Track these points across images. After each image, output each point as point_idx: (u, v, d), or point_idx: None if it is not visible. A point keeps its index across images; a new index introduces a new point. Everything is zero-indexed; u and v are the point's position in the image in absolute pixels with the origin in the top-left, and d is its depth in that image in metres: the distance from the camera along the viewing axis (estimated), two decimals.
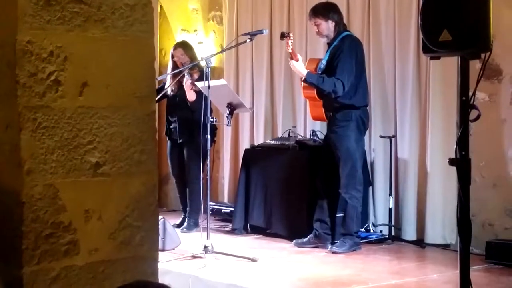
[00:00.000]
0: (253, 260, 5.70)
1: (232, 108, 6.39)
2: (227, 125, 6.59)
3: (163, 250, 5.79)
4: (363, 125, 6.22)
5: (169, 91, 7.14)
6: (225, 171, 8.34)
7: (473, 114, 3.48)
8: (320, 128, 7.03)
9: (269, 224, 6.91)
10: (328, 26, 6.21)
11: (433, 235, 6.40)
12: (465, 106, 3.46)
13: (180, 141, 7.17)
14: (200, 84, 6.41)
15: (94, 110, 2.69)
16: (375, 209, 6.86)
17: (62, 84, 2.61)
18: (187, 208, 7.28)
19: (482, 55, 3.50)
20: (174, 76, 7.02)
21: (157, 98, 6.61)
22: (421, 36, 3.63)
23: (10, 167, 2.60)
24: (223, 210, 7.69)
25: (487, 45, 3.38)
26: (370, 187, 6.84)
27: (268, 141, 7.39)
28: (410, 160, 6.64)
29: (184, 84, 6.88)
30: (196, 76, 6.93)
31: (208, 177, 6.07)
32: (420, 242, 6.44)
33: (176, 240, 6.20)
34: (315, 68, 6.29)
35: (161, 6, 8.97)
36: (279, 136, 7.39)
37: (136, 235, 2.78)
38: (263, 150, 7.17)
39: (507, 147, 6.07)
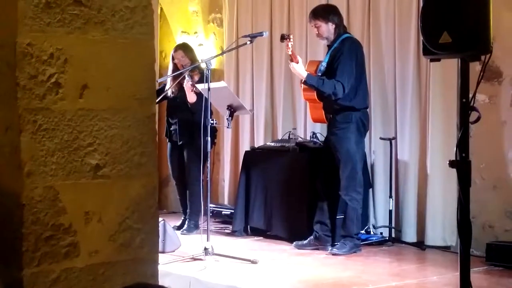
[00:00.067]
0: (253, 262, 5.70)
1: (232, 110, 6.39)
2: (227, 127, 6.59)
3: (163, 252, 5.79)
4: (363, 127, 6.22)
5: (169, 93, 7.15)
6: (225, 173, 8.34)
7: (473, 116, 3.48)
8: (320, 130, 7.03)
9: (269, 226, 6.90)
10: (328, 28, 6.21)
11: (433, 237, 6.40)
12: (465, 108, 3.46)
13: (180, 143, 7.17)
14: (201, 86, 6.41)
15: (94, 112, 2.69)
16: (375, 211, 6.86)
17: (62, 86, 2.62)
18: (187, 210, 7.28)
19: (482, 57, 3.50)
20: (174, 78, 7.03)
21: (157, 100, 6.63)
22: (421, 38, 3.63)
23: (10, 169, 2.60)
24: (223, 212, 7.69)
25: (487, 47, 3.38)
26: (370, 189, 6.84)
27: (268, 143, 7.38)
28: (410, 162, 6.63)
29: (184, 86, 6.88)
30: (196, 78, 6.94)
31: (208, 179, 6.07)
32: (420, 244, 6.44)
33: (176, 242, 6.20)
34: (315, 70, 6.29)
35: (161, 8, 8.98)
36: (279, 138, 7.39)
37: (136, 237, 2.78)
38: (263, 152, 7.17)
39: (507, 149, 6.07)
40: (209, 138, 5.97)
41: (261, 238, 6.91)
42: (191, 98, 6.87)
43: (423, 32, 3.51)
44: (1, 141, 2.64)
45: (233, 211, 7.30)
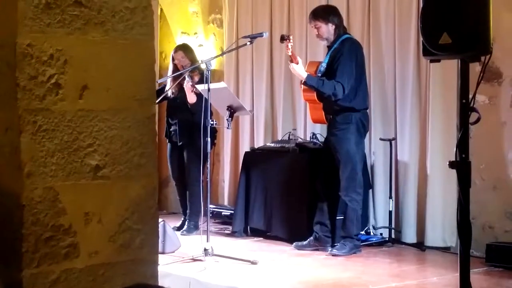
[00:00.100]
0: (253, 263, 5.70)
1: (232, 111, 6.38)
2: (227, 128, 6.59)
3: (163, 253, 5.79)
4: (363, 128, 6.23)
5: (169, 93, 7.15)
6: (225, 174, 8.34)
7: (473, 116, 3.48)
8: (320, 131, 7.03)
9: (269, 226, 6.91)
10: (328, 29, 6.21)
11: (433, 238, 6.40)
12: (465, 108, 3.46)
13: (180, 143, 7.17)
14: (200, 87, 6.41)
15: (94, 113, 2.69)
16: (375, 212, 6.86)
17: (62, 87, 2.62)
18: (187, 211, 7.28)
19: (482, 58, 3.50)
20: (174, 78, 7.03)
21: (157, 100, 6.63)
22: (421, 38, 3.63)
23: (10, 170, 2.60)
24: (223, 213, 7.69)
25: (487, 48, 3.38)
26: (370, 190, 6.84)
27: (268, 144, 7.38)
28: (410, 162, 6.63)
29: (185, 86, 6.89)
30: (196, 78, 6.94)
31: (208, 179, 6.07)
32: (420, 245, 6.44)
33: (176, 243, 6.20)
34: (315, 71, 6.29)
35: (161, 9, 8.98)
36: (279, 139, 7.39)
37: (136, 238, 2.78)
38: (263, 153, 7.17)
39: (507, 150, 6.07)
40: (209, 139, 5.96)
41: (261, 238, 6.92)
42: (191, 98, 6.88)
43: (423, 33, 3.51)
44: (1, 142, 2.64)
45: (233, 212, 7.30)
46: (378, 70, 6.88)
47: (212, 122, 6.12)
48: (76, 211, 2.64)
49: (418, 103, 6.61)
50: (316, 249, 6.29)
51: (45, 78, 2.58)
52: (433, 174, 6.41)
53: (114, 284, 2.70)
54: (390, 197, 6.57)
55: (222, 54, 7.86)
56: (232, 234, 7.07)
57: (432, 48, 3.46)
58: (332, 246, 6.27)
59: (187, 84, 6.83)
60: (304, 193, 6.63)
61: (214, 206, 7.69)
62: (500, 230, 6.04)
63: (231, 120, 6.40)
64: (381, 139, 6.75)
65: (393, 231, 6.57)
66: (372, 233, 6.73)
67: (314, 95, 6.22)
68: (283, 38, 6.19)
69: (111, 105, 2.73)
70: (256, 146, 7.62)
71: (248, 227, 7.08)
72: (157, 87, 6.89)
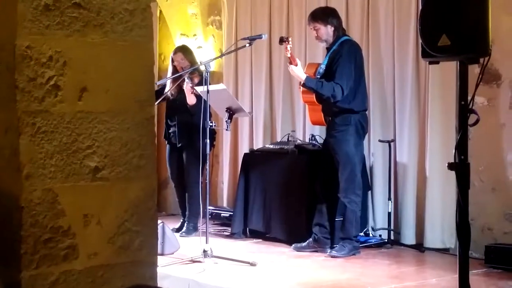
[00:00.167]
0: (252, 264, 5.70)
1: (231, 112, 6.39)
2: (226, 130, 6.60)
3: (162, 254, 5.79)
4: (362, 129, 6.23)
5: (169, 95, 7.14)
6: (224, 176, 8.34)
7: (472, 118, 3.48)
8: (319, 132, 7.03)
9: (268, 228, 6.90)
10: (327, 31, 6.21)
11: (432, 239, 6.40)
12: (464, 110, 3.46)
13: (179, 145, 7.17)
14: (200, 89, 6.41)
15: (93, 115, 2.69)
16: (374, 213, 6.86)
17: (61, 89, 2.62)
18: (186, 213, 7.28)
19: (481, 60, 3.50)
20: (174, 80, 7.03)
21: (157, 101, 6.64)
22: (420, 40, 3.63)
23: (9, 172, 2.60)
24: (222, 215, 7.69)
25: (486, 50, 3.38)
26: (369, 192, 6.84)
27: (267, 146, 7.38)
28: (409, 164, 6.64)
29: (184, 88, 6.89)
30: (196, 80, 6.94)
31: (207, 181, 6.06)
32: (419, 246, 6.44)
33: (175, 244, 6.20)
34: (314, 72, 6.29)
35: (160, 11, 8.98)
36: (278, 141, 7.40)
37: (135, 240, 2.78)
38: (262, 155, 7.17)
39: (506, 152, 6.07)
40: (208, 141, 5.96)
41: (260, 240, 6.91)
42: (191, 100, 6.87)
43: (422, 35, 3.51)
44: (0, 143, 2.64)
45: (232, 213, 7.29)
46: (377, 72, 6.88)
47: (211, 124, 6.11)
48: (75, 213, 2.64)
49: (417, 104, 6.61)
50: (315, 250, 6.29)
51: (44, 80, 2.59)
52: (432, 176, 6.41)
53: (113, 286, 2.71)
54: (389, 198, 6.57)
55: (221, 56, 7.86)
56: (231, 235, 7.07)
57: (431, 50, 3.46)
58: (331, 247, 6.26)
59: (186, 86, 6.83)
60: (303, 195, 6.62)
61: (213, 208, 7.69)
62: (499, 232, 6.04)
63: (230, 121, 6.41)
64: (380, 141, 6.75)
65: (392, 232, 6.57)
66: (371, 235, 6.73)
67: (313, 97, 6.22)
68: (282, 40, 6.20)
69: (110, 106, 2.73)
70: (255, 148, 7.62)
71: (247, 229, 7.08)
72: (156, 89, 6.88)
